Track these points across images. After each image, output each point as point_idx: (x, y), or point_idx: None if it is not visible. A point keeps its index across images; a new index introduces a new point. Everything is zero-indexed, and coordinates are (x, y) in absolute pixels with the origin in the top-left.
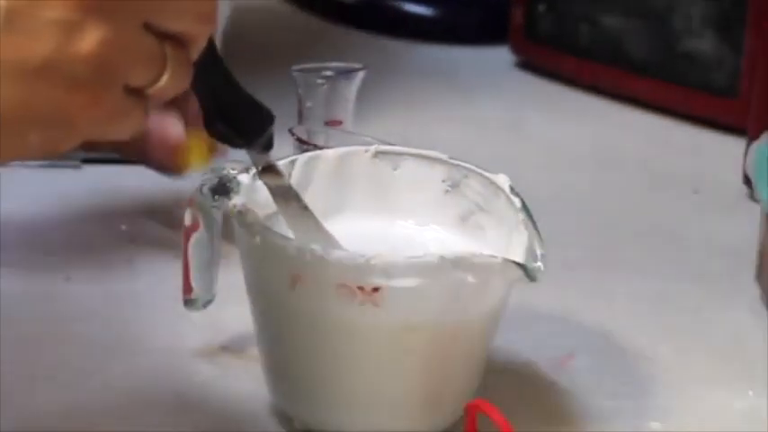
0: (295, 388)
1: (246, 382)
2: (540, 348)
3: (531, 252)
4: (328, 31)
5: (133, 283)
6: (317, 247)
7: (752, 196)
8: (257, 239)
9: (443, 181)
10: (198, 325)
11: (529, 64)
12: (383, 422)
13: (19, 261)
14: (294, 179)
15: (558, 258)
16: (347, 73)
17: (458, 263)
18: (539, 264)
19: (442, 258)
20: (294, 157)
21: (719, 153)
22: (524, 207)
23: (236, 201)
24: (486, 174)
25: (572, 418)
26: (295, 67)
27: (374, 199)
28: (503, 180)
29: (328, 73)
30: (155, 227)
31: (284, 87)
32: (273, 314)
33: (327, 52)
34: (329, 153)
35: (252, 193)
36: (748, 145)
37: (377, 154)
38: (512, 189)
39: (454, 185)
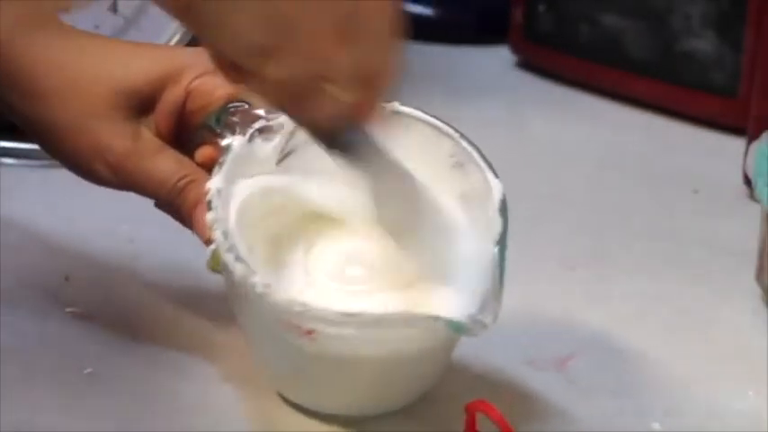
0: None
1: (248, 375)
2: (540, 348)
3: (484, 305)
4: None
5: (133, 284)
6: (258, 281)
7: (752, 196)
8: (214, 246)
9: (451, 156)
10: (198, 324)
11: (529, 64)
12: (341, 408)
13: (19, 261)
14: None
15: (557, 258)
16: None
17: (397, 322)
18: (488, 320)
19: (380, 318)
20: None
21: (719, 153)
22: (503, 237)
23: (213, 184)
24: (487, 171)
25: (572, 418)
26: None
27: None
28: (497, 189)
29: None
30: (155, 227)
31: None
32: (240, 309)
33: None
34: None
35: (238, 166)
36: (748, 145)
37: (392, 113)
38: (502, 205)
39: (459, 165)
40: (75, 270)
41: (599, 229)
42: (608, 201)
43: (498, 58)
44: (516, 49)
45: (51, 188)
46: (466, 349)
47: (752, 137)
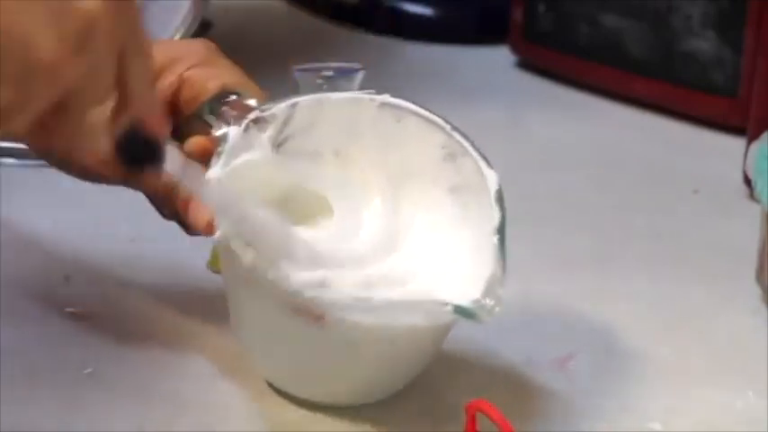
0: (255, 350)
1: (248, 374)
2: (540, 348)
3: (488, 290)
4: (328, 31)
5: (133, 284)
6: (269, 267)
7: (752, 196)
8: (220, 234)
9: (442, 147)
10: (198, 323)
11: (529, 64)
12: (336, 398)
13: (19, 261)
14: (297, 121)
15: (558, 258)
16: (347, 73)
17: (406, 307)
18: (493, 305)
19: (390, 303)
20: (295, 100)
21: (719, 153)
22: (502, 226)
23: (213, 173)
24: (481, 163)
25: (572, 418)
26: (295, 67)
27: (378, 147)
28: (492, 180)
29: (328, 73)
30: (155, 227)
31: (284, 87)
32: (240, 300)
33: (327, 52)
34: (334, 98)
35: (235, 155)
36: (748, 145)
37: (382, 105)
38: (498, 195)
39: (451, 157)
40: (75, 270)
41: (599, 229)
42: (608, 201)
43: (498, 58)
44: (516, 49)
45: (51, 188)
46: (466, 348)
47: (752, 137)
